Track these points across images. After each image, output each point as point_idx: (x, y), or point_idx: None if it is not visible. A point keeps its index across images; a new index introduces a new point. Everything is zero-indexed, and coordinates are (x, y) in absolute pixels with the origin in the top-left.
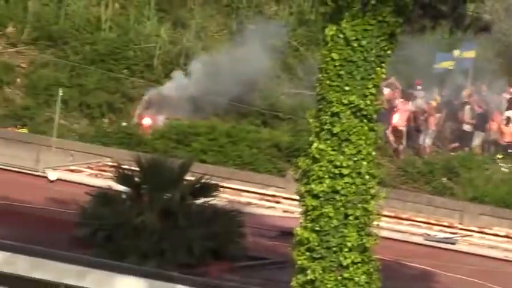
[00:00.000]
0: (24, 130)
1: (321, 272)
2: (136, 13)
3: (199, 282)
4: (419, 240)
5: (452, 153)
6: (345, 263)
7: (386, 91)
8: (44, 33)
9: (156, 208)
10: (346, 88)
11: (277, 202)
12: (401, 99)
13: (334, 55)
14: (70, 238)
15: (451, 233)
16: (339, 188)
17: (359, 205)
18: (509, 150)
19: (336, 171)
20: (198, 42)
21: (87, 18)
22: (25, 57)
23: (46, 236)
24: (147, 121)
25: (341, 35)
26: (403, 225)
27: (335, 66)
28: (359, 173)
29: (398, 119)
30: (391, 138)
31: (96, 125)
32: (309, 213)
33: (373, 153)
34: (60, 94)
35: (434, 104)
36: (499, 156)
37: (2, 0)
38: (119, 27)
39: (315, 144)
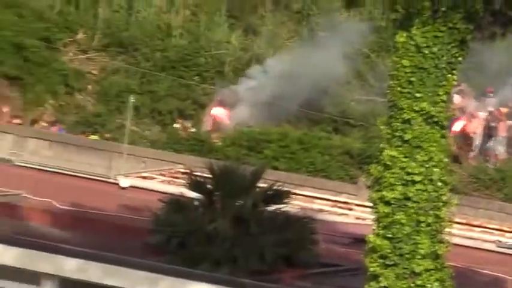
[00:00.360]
0: (95, 137)
1: (393, 279)
2: (207, 20)
3: None
4: (492, 247)
5: None
6: (417, 270)
7: (457, 98)
8: (114, 40)
9: (229, 215)
10: (417, 95)
11: (350, 209)
12: (473, 106)
13: (405, 62)
14: (143, 245)
15: None
16: (410, 194)
17: (431, 212)
18: None
19: (408, 178)
20: (269, 48)
21: (158, 25)
22: (96, 64)
23: (119, 243)
24: (218, 111)
25: (412, 42)
26: (475, 232)
27: (406, 73)
28: (431, 180)
29: (469, 126)
30: (462, 144)
31: (168, 131)
32: (381, 220)
33: (445, 160)
34: (132, 101)
35: (505, 111)
36: None
37: (72, 6)
38: (190, 34)
39: (387, 151)
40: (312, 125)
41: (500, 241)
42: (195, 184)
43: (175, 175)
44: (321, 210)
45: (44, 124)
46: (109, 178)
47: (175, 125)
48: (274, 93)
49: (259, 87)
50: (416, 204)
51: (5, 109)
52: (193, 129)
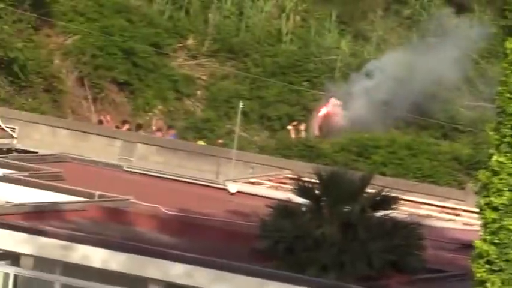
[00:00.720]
0: (202, 142)
1: (500, 284)
2: (317, 25)
3: None
4: None
5: None
6: None
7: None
8: (224, 46)
9: (336, 220)
10: None
11: (457, 215)
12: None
13: None
14: (250, 251)
15: None
16: None
17: None
18: None
19: None
20: (379, 54)
21: (268, 31)
22: (205, 70)
23: (226, 248)
24: (328, 109)
25: None
26: None
27: None
28: None
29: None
30: None
31: (278, 137)
32: (488, 225)
33: None
34: (241, 106)
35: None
36: None
37: (182, 12)
38: (300, 40)
39: (495, 157)
40: (421, 130)
41: None
42: (302, 190)
43: (283, 181)
44: (428, 216)
45: (154, 129)
46: (218, 184)
47: (288, 127)
48: (383, 98)
49: (369, 91)
50: None
51: (114, 114)
52: (304, 134)
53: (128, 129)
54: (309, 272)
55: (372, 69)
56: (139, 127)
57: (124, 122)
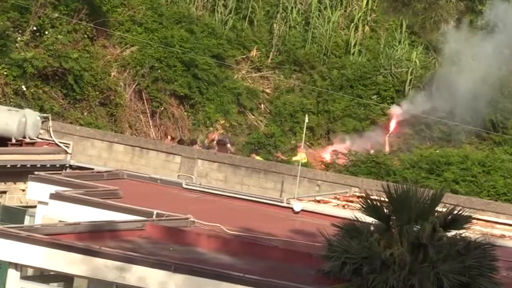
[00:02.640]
0: (259, 157)
1: None
2: (387, 36)
3: None
4: None
5: None
6: None
7: None
8: (289, 57)
9: (406, 241)
10: None
11: None
12: None
13: None
14: (315, 272)
15: None
16: None
17: None
18: None
19: None
20: (452, 67)
21: (336, 42)
22: (269, 82)
23: (290, 269)
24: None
25: None
26: None
27: None
28: None
29: None
30: None
31: (346, 154)
32: None
33: None
34: (306, 121)
35: None
36: None
37: (246, 22)
38: (369, 51)
39: None
40: (495, 146)
41: None
42: (371, 208)
43: (350, 199)
44: (502, 236)
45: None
46: (281, 202)
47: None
48: (454, 112)
49: (437, 105)
50: None
51: (173, 129)
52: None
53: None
54: None
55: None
56: (194, 142)
57: (184, 137)
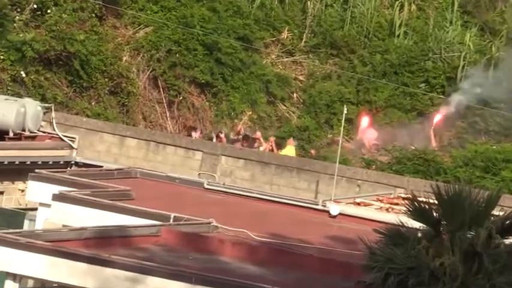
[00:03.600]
0: (286, 151)
1: None
2: (437, 16)
3: None
4: None
5: None
6: None
7: None
8: (326, 40)
9: (458, 249)
10: None
11: None
12: None
13: None
14: (355, 284)
15: None
16: None
17: None
18: None
19: None
20: (510, 51)
21: (378, 22)
22: (303, 68)
23: (326, 281)
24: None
25: None
26: None
27: None
28: None
29: None
30: None
31: (390, 150)
32: None
33: None
34: (345, 112)
35: None
36: None
37: (276, 1)
38: (416, 33)
39: None
40: None
41: None
42: (418, 212)
43: (395, 201)
44: None
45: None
46: (316, 204)
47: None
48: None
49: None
50: None
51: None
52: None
53: (211, 139)
54: None
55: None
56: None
57: (207, 130)
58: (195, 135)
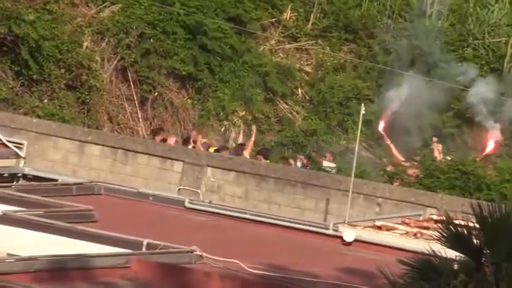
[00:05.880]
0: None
1: None
2: None
3: None
4: None
5: None
6: None
7: None
8: (338, 22)
9: (505, 284)
10: None
11: None
12: None
13: None
14: None
15: None
16: None
17: None
18: None
19: None
20: None
21: None
22: (310, 57)
23: None
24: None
25: None
26: None
27: None
28: None
29: None
30: None
31: (418, 159)
32: None
33: None
34: (363, 112)
35: None
36: None
37: None
38: (453, 13)
39: None
40: None
41: None
42: (454, 238)
43: (425, 224)
44: None
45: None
46: (326, 228)
47: (433, 144)
48: None
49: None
50: None
51: (173, 122)
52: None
53: (193, 147)
54: None
55: None
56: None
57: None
58: (171, 141)
